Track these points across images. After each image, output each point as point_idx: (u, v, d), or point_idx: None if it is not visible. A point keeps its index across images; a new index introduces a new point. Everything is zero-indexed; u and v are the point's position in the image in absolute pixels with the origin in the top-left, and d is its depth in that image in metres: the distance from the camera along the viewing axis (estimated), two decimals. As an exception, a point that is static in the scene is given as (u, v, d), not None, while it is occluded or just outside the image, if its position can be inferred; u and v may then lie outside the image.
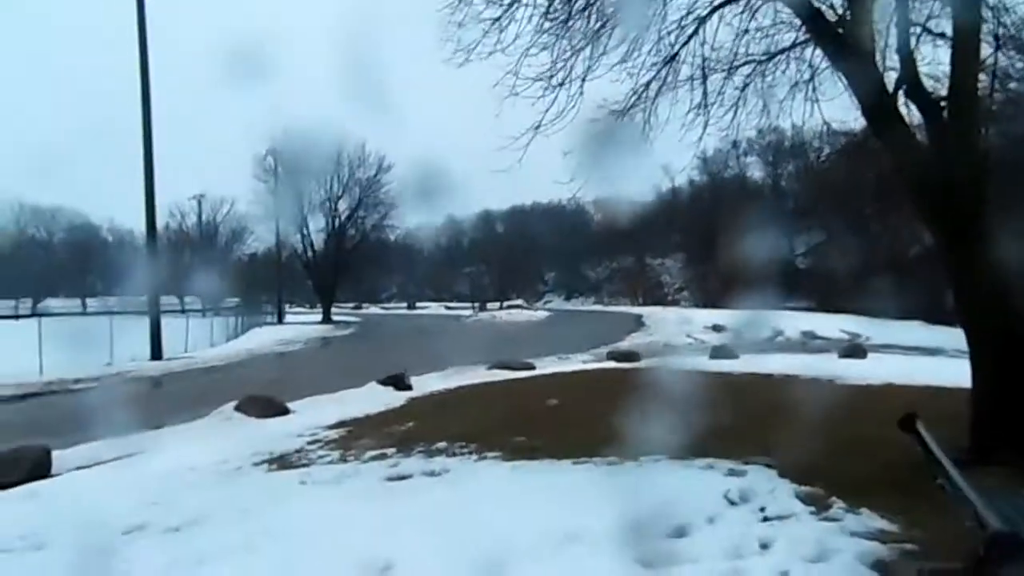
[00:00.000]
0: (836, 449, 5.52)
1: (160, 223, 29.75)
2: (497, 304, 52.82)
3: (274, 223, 41.84)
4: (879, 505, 4.21)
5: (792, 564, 3.49)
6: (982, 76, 6.67)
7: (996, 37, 6.82)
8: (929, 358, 15.40)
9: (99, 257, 55.14)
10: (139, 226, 27.52)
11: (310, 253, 45.03)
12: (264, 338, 27.70)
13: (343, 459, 6.46)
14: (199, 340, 23.65)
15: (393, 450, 6.55)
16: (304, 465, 6.32)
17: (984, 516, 2.12)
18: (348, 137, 42.75)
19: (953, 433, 5.31)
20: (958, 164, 5.43)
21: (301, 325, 36.34)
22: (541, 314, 44.24)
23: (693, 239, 52.20)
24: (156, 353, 20.30)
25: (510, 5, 6.65)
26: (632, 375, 11.41)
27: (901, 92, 6.07)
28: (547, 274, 67.66)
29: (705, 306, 42.42)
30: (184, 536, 4.35)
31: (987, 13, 6.62)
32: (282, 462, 6.50)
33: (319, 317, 42.38)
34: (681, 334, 25.98)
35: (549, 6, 6.70)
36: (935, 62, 6.49)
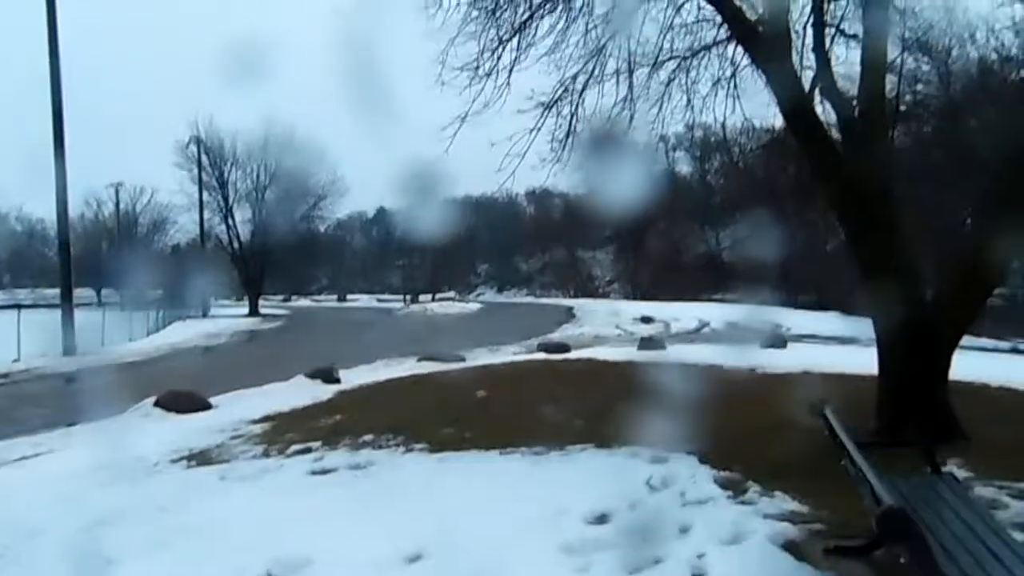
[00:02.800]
0: (754, 435, 5.73)
1: (74, 212, 28.45)
2: (429, 296, 52.49)
3: (197, 213, 40.43)
4: (792, 488, 4.39)
5: (708, 547, 3.60)
6: (891, 77, 7.00)
7: (903, 40, 7.17)
8: (844, 347, 16.08)
9: (6, 247, 52.25)
10: (51, 215, 26.13)
11: (236, 244, 43.67)
12: (187, 332, 26.79)
13: (266, 454, 6.32)
14: (117, 335, 22.67)
15: (318, 444, 6.44)
16: (225, 461, 6.15)
17: (879, 494, 2.24)
18: (275, 125, 41.64)
19: (862, 417, 5.58)
20: (867, 161, 5.69)
21: (227, 318, 35.29)
22: (473, 306, 44.21)
23: (623, 232, 53.03)
24: (69, 348, 19.37)
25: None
26: (561, 367, 11.53)
27: (817, 91, 6.32)
28: (480, 266, 67.62)
29: (634, 298, 43.24)
30: (94, 536, 4.17)
31: (895, 16, 6.95)
32: (202, 458, 6.31)
33: (246, 310, 41.20)
34: (611, 325, 26.36)
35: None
36: (849, 62, 6.77)
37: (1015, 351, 15.88)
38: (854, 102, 6.06)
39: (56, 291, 20.75)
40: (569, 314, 31.77)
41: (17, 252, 52.38)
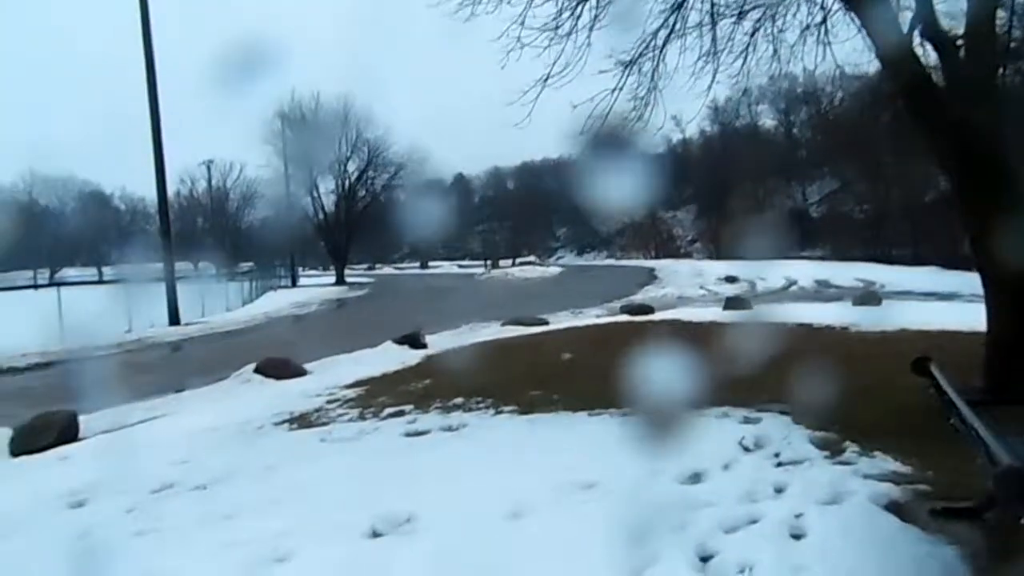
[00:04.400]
0: (850, 395, 5.54)
1: (171, 190, 29.84)
2: (509, 261, 52.80)
3: (284, 186, 41.73)
4: (892, 448, 4.26)
5: (806, 507, 3.55)
6: (1000, 12, 6.50)
7: (1015, -29, 6.63)
8: (944, 303, 15.32)
9: (112, 225, 55.44)
10: (150, 194, 27.52)
11: (321, 215, 45.00)
12: (279, 301, 27.93)
13: (362, 417, 6.57)
14: (215, 305, 23.89)
15: (411, 407, 6.65)
16: (324, 424, 6.44)
17: (995, 454, 2.16)
18: (356, 98, 42.35)
19: (967, 375, 5.33)
20: (975, 105, 5.34)
21: (315, 287, 36.58)
22: (554, 270, 44.23)
23: (704, 191, 51.73)
24: (174, 319, 20.54)
25: (514, -46, 6.53)
26: (646, 328, 11.44)
27: (916, 31, 5.94)
28: (558, 230, 67.40)
29: (718, 258, 42.25)
30: (211, 493, 4.47)
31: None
32: (302, 421, 6.63)
33: (333, 279, 42.57)
34: (694, 286, 25.93)
35: (554, -47, 6.58)
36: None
37: None
38: (959, 42, 5.67)
39: (159, 266, 21.94)
40: (651, 275, 31.42)
41: (122, 230, 55.44)
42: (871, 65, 7.46)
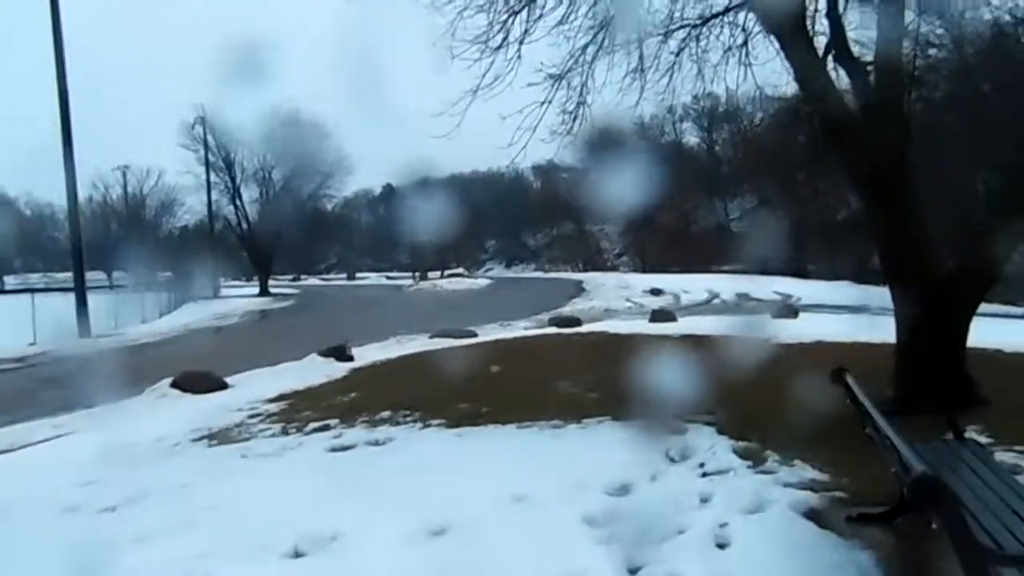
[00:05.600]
0: (771, 405, 5.72)
1: (82, 195, 28.51)
2: (438, 273, 52.54)
3: (205, 195, 40.40)
4: (811, 457, 4.40)
5: (730, 516, 3.62)
6: (905, 42, 6.87)
7: (919, 3, 7.03)
8: (856, 316, 16.03)
9: (17, 232, 52.46)
10: (59, 199, 26.21)
11: (245, 224, 43.75)
12: (199, 313, 26.95)
13: (285, 432, 6.38)
14: (130, 317, 22.85)
15: (336, 421, 6.50)
16: (245, 439, 6.21)
17: (908, 461, 2.24)
18: (281, 104, 41.46)
19: (878, 385, 5.57)
20: (883, 128, 5.62)
21: (238, 299, 35.46)
22: (482, 282, 44.25)
23: (631, 205, 52.70)
24: (84, 331, 19.52)
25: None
26: (573, 340, 11.56)
27: (830, 56, 6.22)
28: (487, 242, 67.53)
29: (644, 271, 43.16)
30: (120, 516, 4.23)
31: (911, -21, 6.81)
32: (222, 437, 6.38)
33: (256, 290, 41.41)
34: (621, 299, 26.35)
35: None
36: (862, 27, 6.66)
37: (1028, 317, 15.79)
38: (869, 68, 5.97)
39: (68, 275, 20.84)
40: (579, 288, 31.77)
41: (28, 237, 52.58)
42: (789, 87, 7.79)
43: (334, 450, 5.60)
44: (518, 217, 62.05)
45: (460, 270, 53.82)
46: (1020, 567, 2.07)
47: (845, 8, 6.53)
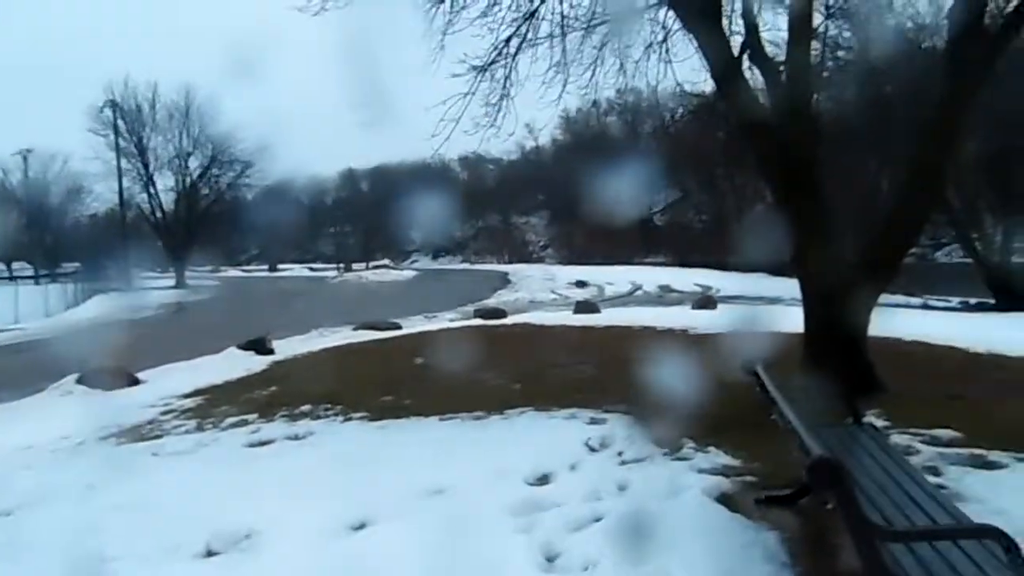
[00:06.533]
0: (688, 393, 5.89)
1: (-21, 181, 26.78)
2: (363, 264, 51.82)
3: (116, 181, 38.58)
4: (725, 443, 4.56)
5: (646, 503, 3.71)
6: (816, 44, 7.17)
7: (827, 7, 7.34)
8: (772, 306, 16.64)
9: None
10: (-47, 184, 24.54)
11: (159, 214, 42.02)
12: (110, 305, 25.74)
13: (200, 428, 6.18)
14: (32, 310, 21.66)
15: (254, 416, 6.34)
16: (157, 436, 5.99)
17: (808, 444, 2.35)
18: (199, 90, 40.00)
19: (788, 372, 5.81)
20: (793, 125, 5.84)
21: (152, 291, 34.07)
22: (408, 274, 43.92)
23: (556, 197, 53.23)
24: (-20, 325, 18.42)
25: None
26: (498, 332, 11.60)
27: (745, 56, 6.42)
28: (413, 233, 66.96)
29: (569, 263, 43.62)
30: (17, 520, 4.02)
31: (820, -17, 7.09)
32: (132, 435, 6.13)
33: (172, 282, 39.89)
34: (546, 290, 26.61)
35: (408, -45, 6.52)
36: (776, 28, 6.90)
37: (926, 307, 16.74)
38: (781, 67, 6.19)
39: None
40: (504, 280, 31.92)
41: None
42: (707, 84, 7.97)
43: (252, 445, 5.47)
44: (445, 208, 61.69)
45: (386, 262, 53.28)
46: (906, 542, 2.20)
47: (759, 9, 6.76)
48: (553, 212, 55.82)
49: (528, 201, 57.25)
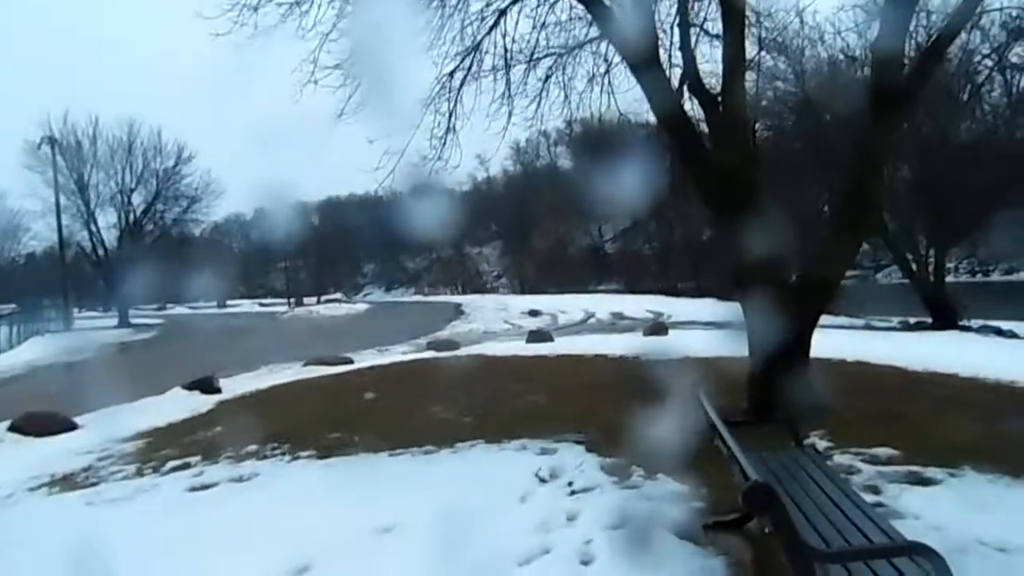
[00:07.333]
0: (639, 421, 5.92)
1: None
2: (314, 299, 51.12)
3: (54, 219, 37.36)
4: (673, 470, 4.57)
5: (595, 533, 3.69)
6: (752, 75, 7.41)
7: (760, 40, 7.61)
8: (721, 331, 16.89)
9: None
10: None
11: (101, 251, 40.83)
12: (47, 347, 24.80)
13: (139, 473, 5.95)
14: (-36, 354, 20.74)
15: (197, 458, 6.13)
16: (92, 484, 5.74)
17: (746, 470, 2.37)
18: (141, 125, 39.28)
19: (737, 397, 5.90)
20: (732, 153, 6.00)
21: (93, 331, 32.98)
22: (361, 307, 43.42)
23: (509, 227, 53.62)
24: (-93, 372, 17.54)
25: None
26: (450, 364, 11.52)
27: (684, 87, 6.60)
28: (366, 266, 66.49)
29: (522, 292, 43.81)
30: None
31: (753, 17, 7.36)
32: (66, 484, 5.86)
33: (115, 321, 38.68)
34: (499, 320, 26.59)
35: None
36: (713, 60, 7.12)
37: (868, 327, 17.23)
38: (719, 98, 6.37)
39: None
40: (458, 311, 31.78)
41: None
42: (650, 115, 8.16)
43: (194, 489, 5.28)
44: (397, 240, 61.54)
45: (338, 295, 52.68)
46: (842, 562, 2.22)
47: (696, 42, 6.98)
48: (505, 242, 56.16)
49: (481, 232, 57.50)
